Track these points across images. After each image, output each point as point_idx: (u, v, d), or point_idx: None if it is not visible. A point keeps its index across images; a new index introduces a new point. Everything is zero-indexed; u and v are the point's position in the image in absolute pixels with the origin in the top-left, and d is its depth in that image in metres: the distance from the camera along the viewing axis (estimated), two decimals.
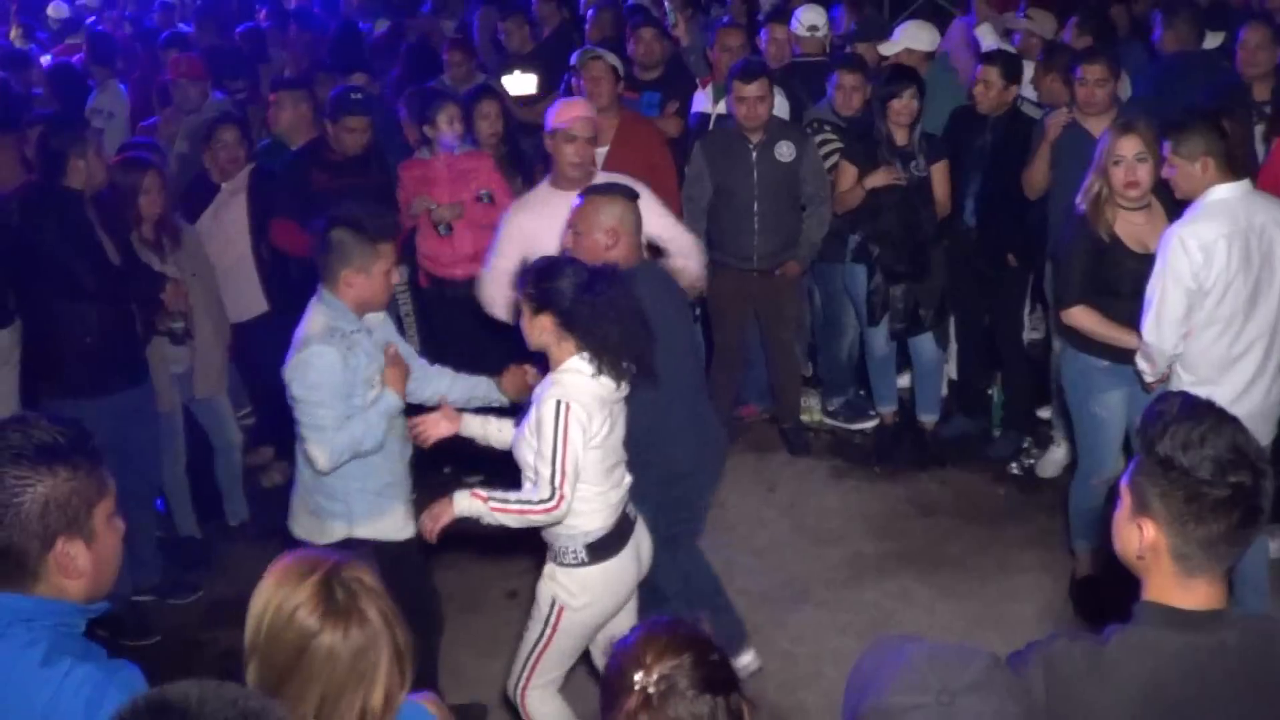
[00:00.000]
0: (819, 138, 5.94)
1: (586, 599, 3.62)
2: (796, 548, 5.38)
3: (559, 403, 3.41)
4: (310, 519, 3.90)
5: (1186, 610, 1.99)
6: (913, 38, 6.41)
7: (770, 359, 6.21)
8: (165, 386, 5.19)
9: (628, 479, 3.70)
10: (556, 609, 3.62)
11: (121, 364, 4.86)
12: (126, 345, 4.91)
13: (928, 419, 6.20)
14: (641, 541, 3.76)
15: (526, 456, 3.51)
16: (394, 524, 3.90)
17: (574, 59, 6.13)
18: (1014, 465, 5.96)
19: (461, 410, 3.94)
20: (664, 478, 4.00)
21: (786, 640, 4.71)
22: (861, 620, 4.80)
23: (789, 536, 5.48)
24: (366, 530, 3.84)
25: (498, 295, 4.73)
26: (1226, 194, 4.10)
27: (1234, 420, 1.98)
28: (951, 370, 6.46)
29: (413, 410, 3.96)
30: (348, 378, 3.69)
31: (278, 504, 4.27)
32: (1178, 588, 2.00)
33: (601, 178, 4.59)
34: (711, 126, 6.15)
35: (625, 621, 3.65)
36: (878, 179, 5.65)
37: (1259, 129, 5.54)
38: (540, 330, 3.53)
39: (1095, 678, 1.97)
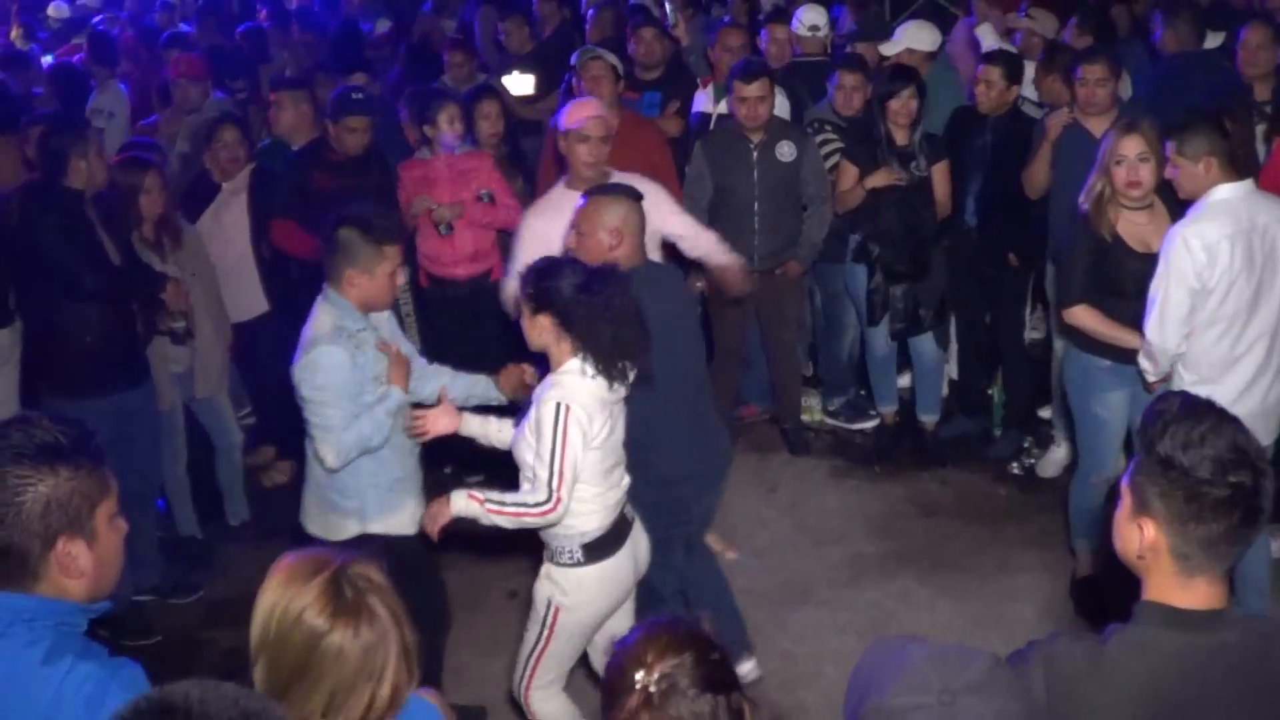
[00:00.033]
0: (820, 138, 5.93)
1: (582, 599, 3.62)
2: (797, 547, 5.38)
3: (559, 405, 3.41)
4: (324, 516, 3.91)
5: (1187, 610, 1.99)
6: (914, 38, 6.39)
7: (771, 359, 6.20)
8: (166, 386, 5.19)
9: (626, 479, 3.69)
10: (552, 610, 3.62)
11: (122, 364, 4.86)
12: (127, 345, 4.91)
13: (928, 419, 6.19)
14: (638, 542, 3.75)
15: (525, 456, 3.50)
16: (406, 519, 3.90)
17: (574, 59, 6.12)
18: (1014, 465, 5.95)
19: (462, 409, 3.94)
20: (663, 478, 3.99)
21: (787, 640, 4.71)
22: (862, 620, 4.80)
23: (789, 536, 5.48)
24: (380, 525, 3.86)
25: None
26: (1229, 194, 4.10)
27: (1234, 420, 1.98)
28: (952, 370, 6.46)
29: (413, 409, 3.96)
30: (356, 376, 3.71)
31: (278, 504, 4.28)
32: (1178, 587, 2.00)
33: (617, 178, 4.56)
34: (712, 126, 6.15)
35: (623, 622, 3.65)
36: (878, 179, 5.64)
37: (1260, 129, 5.54)
38: (540, 330, 3.53)
39: (1096, 677, 1.97)
